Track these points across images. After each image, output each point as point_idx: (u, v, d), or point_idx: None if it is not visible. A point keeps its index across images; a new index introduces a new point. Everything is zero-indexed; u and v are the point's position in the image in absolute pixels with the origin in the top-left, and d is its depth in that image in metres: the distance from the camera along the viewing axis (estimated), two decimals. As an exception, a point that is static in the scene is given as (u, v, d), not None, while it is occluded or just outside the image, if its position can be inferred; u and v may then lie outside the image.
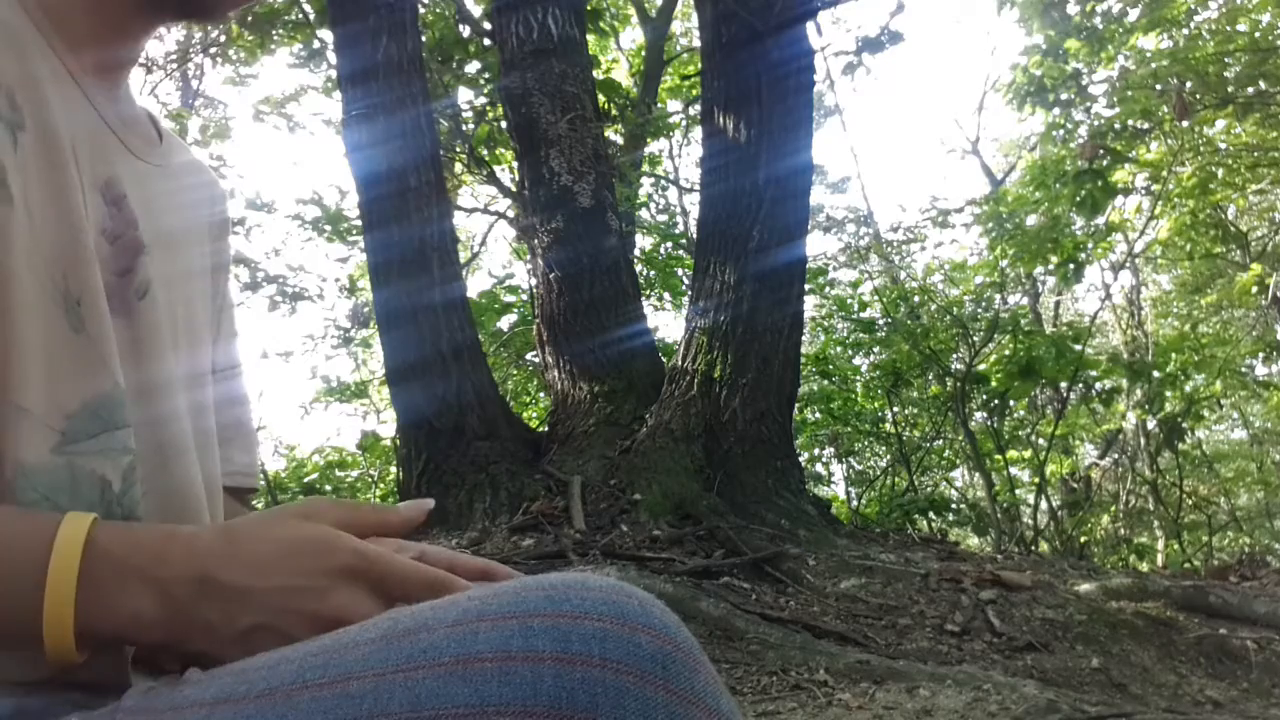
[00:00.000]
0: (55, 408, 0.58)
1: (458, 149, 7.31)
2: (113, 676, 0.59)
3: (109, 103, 0.69)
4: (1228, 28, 7.00)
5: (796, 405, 5.06)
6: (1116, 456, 8.36)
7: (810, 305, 7.79)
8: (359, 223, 5.76)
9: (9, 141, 0.57)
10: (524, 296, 7.37)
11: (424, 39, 5.86)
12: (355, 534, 0.59)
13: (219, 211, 0.84)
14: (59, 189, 0.60)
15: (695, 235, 5.58)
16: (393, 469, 7.13)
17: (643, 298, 5.29)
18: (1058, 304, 11.23)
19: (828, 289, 8.56)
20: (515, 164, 6.02)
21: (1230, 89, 6.75)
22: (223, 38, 7.93)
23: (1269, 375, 9.48)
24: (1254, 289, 7.67)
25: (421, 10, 6.21)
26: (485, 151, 7.51)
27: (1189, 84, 6.53)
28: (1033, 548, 5.95)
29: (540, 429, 4.66)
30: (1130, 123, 6.94)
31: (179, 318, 0.73)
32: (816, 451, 8.40)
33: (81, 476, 0.59)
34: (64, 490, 0.58)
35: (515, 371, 8.08)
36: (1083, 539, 6.70)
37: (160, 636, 0.54)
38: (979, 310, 7.09)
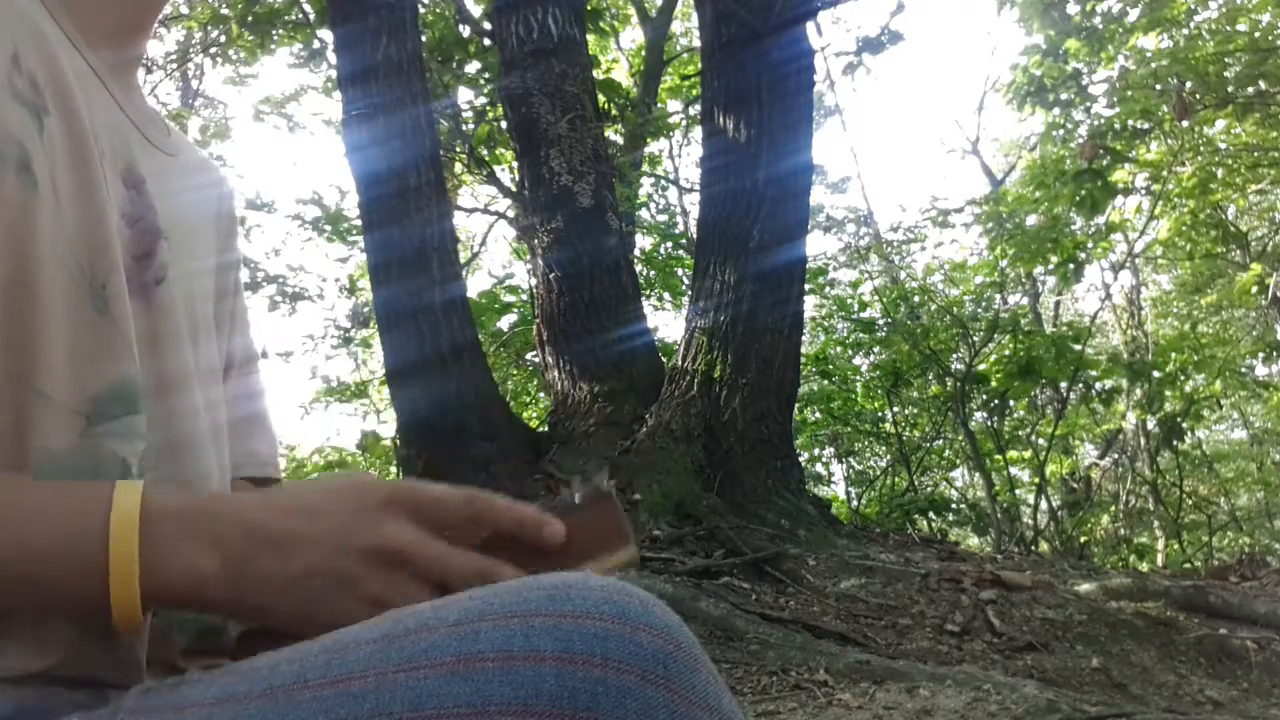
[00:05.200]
0: (80, 391, 0.59)
1: (458, 149, 7.30)
2: (124, 674, 0.59)
3: (124, 94, 0.70)
4: (1228, 28, 7.00)
5: (796, 405, 5.06)
6: (1116, 456, 8.36)
7: (810, 305, 7.79)
8: (359, 223, 5.76)
9: (35, 126, 0.57)
10: (524, 296, 7.37)
11: (424, 39, 5.86)
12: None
13: (227, 209, 0.85)
14: (84, 172, 0.61)
15: (695, 235, 5.57)
16: (393, 469, 7.12)
17: (643, 298, 5.28)
18: (1058, 304, 11.22)
19: (828, 289, 8.56)
20: (515, 164, 6.02)
21: (1230, 89, 6.74)
22: (223, 38, 7.92)
23: (1269, 375, 9.47)
24: (1254, 289, 7.67)
25: (421, 10, 6.21)
26: (485, 151, 7.50)
27: (1189, 84, 6.53)
28: (1033, 548, 5.95)
29: (540, 429, 4.66)
30: (1130, 123, 6.93)
31: (196, 308, 0.74)
32: (816, 451, 8.40)
33: (104, 459, 0.60)
34: (87, 474, 0.59)
35: (515, 371, 8.07)
36: (1083, 539, 6.71)
37: (221, 593, 0.55)
38: (979, 310, 7.09)
